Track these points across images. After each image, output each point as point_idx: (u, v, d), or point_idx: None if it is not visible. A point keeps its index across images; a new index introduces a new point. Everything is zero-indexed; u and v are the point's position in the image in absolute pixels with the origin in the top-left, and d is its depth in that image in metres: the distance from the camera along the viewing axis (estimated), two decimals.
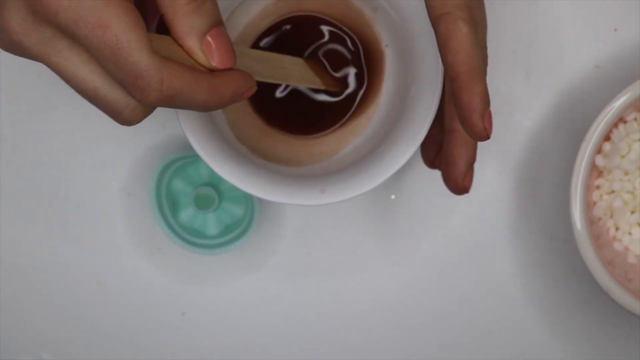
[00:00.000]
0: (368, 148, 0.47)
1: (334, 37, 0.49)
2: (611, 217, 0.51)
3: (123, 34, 0.33)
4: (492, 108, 0.40)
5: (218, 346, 0.55)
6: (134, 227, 0.55)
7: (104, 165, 0.54)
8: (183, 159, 0.52)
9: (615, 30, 0.53)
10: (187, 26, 0.35)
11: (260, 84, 0.44)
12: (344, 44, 0.49)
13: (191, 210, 0.53)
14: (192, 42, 0.35)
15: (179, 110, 0.43)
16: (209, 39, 0.36)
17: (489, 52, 0.45)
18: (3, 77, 0.54)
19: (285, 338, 0.55)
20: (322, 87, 0.48)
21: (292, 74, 0.46)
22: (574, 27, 0.53)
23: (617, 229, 0.51)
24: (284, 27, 0.49)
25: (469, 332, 0.55)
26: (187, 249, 0.52)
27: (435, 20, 0.40)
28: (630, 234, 0.52)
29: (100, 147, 0.54)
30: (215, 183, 0.53)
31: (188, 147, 0.44)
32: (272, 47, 0.49)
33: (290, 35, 0.49)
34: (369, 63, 0.49)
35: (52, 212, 0.54)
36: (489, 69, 0.45)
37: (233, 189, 0.52)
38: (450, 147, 0.44)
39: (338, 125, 0.49)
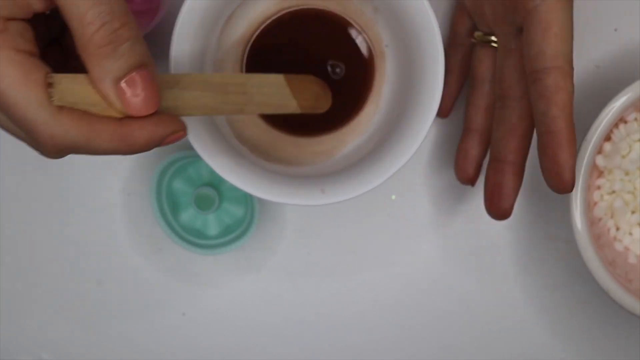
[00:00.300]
0: (368, 148, 0.47)
1: (334, 35, 0.49)
2: (612, 217, 0.51)
3: (8, 90, 0.32)
4: None
5: (218, 346, 0.55)
6: (134, 227, 0.55)
7: (104, 165, 0.54)
8: (183, 159, 0.52)
9: (615, 30, 0.53)
10: (101, 71, 0.33)
11: None
12: (344, 44, 0.49)
13: (192, 211, 0.53)
14: (106, 88, 0.33)
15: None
16: (125, 84, 0.33)
17: None
18: None
19: (285, 338, 0.55)
20: (296, 112, 0.43)
21: (254, 99, 0.41)
22: (574, 27, 0.53)
23: (617, 229, 0.51)
24: (284, 23, 0.49)
25: (469, 332, 0.55)
26: (188, 249, 0.52)
27: (544, 71, 0.40)
28: (630, 234, 0.51)
29: None
30: (215, 183, 0.53)
31: (188, 147, 0.44)
32: (269, 44, 0.49)
33: (290, 31, 0.49)
34: (369, 63, 0.49)
35: (53, 211, 0.54)
36: None
37: (233, 189, 0.52)
38: (503, 179, 0.45)
39: (338, 125, 0.49)
